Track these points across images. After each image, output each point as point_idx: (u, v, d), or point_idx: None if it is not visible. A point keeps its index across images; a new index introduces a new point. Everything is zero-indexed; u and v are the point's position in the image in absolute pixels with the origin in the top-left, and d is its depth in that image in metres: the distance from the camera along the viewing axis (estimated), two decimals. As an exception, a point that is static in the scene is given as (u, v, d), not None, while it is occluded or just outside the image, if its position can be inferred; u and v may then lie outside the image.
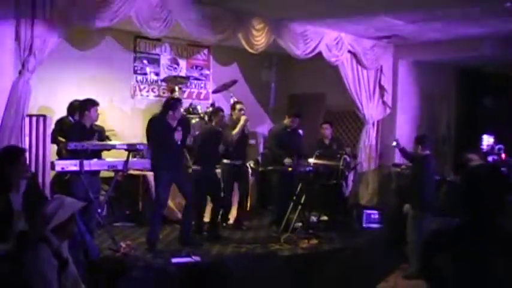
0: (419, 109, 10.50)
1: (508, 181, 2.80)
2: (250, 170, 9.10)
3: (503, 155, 8.03)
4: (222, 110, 7.94)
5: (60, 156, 6.37)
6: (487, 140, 8.15)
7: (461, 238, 2.72)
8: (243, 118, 7.82)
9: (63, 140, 6.67)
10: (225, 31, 7.49)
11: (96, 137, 6.50)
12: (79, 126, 6.46)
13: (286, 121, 8.19)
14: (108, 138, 7.27)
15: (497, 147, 8.05)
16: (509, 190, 2.82)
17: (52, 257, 3.60)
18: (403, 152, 8.05)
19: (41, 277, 3.52)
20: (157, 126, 6.71)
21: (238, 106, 7.95)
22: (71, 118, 7.26)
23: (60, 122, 7.29)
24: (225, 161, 7.83)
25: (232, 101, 8.58)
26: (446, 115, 11.12)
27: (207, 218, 7.63)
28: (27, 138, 6.21)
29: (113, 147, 6.63)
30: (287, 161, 7.83)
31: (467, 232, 2.73)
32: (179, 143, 6.64)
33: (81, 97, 7.08)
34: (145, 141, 6.98)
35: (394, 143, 8.06)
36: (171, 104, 6.72)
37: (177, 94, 8.84)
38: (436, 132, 10.86)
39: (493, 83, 10.48)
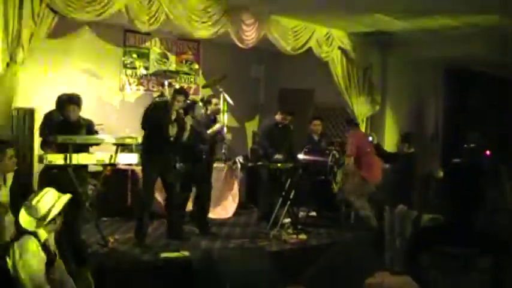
0: (408, 106, 10.55)
1: (489, 179, 2.83)
2: (239, 166, 9.11)
3: (487, 153, 8.07)
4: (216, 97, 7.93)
5: (45, 150, 6.32)
6: (472, 138, 8.19)
7: (446, 237, 2.74)
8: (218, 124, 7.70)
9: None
10: (215, 26, 7.46)
11: (84, 132, 6.47)
12: (62, 121, 6.43)
13: (278, 117, 8.18)
14: (96, 132, 7.23)
15: (481, 144, 8.09)
16: (490, 188, 2.85)
17: (41, 251, 3.59)
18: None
19: (29, 270, 3.51)
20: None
21: (214, 101, 7.87)
22: (59, 112, 7.21)
23: (48, 116, 7.24)
24: None
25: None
26: (435, 113, 11.17)
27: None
28: (14, 132, 6.16)
29: (101, 141, 6.60)
30: (277, 156, 7.82)
31: (452, 231, 2.75)
32: (171, 138, 6.60)
33: (70, 91, 7.05)
34: (134, 135, 6.97)
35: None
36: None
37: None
38: (424, 129, 10.92)
39: (481, 81, 10.54)
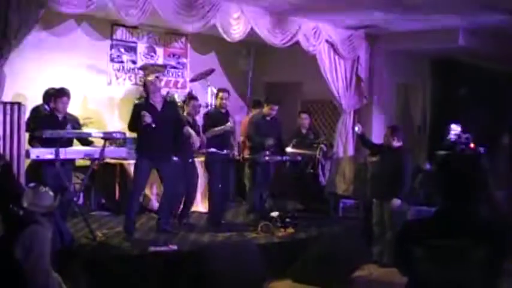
0: (395, 99, 10.61)
1: (479, 170, 2.85)
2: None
3: (471, 145, 8.13)
4: (195, 98, 7.92)
5: (32, 144, 6.30)
6: (455, 129, 8.25)
7: (435, 229, 2.76)
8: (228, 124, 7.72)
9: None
10: (203, 20, 7.45)
11: (69, 127, 6.46)
12: (49, 116, 6.41)
13: (265, 109, 8.19)
14: (81, 127, 7.21)
15: (464, 136, 8.14)
16: (481, 179, 2.87)
17: (49, 239, 3.66)
18: (363, 139, 8.08)
19: (41, 257, 3.55)
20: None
21: (220, 94, 7.90)
22: (46, 106, 7.18)
23: (35, 110, 7.21)
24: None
25: (215, 89, 8.48)
26: (422, 105, 11.24)
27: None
28: (1, 126, 6.12)
29: (89, 135, 6.60)
30: (270, 141, 7.77)
31: (441, 223, 2.77)
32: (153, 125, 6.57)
33: (57, 85, 7.03)
34: (122, 128, 6.97)
35: (357, 128, 8.12)
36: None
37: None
38: (411, 121, 10.99)
39: (467, 73, 10.60)
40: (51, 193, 3.91)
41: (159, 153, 6.72)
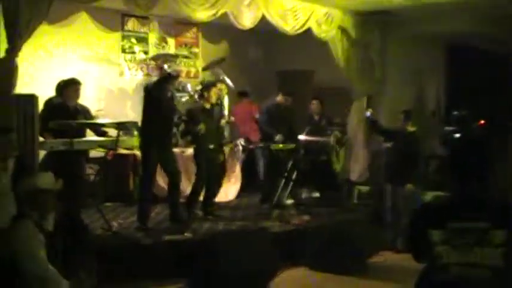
0: (409, 83, 10.49)
1: (489, 152, 2.81)
2: (241, 148, 9.11)
3: (481, 122, 8.08)
4: (214, 85, 7.87)
5: (44, 136, 6.32)
6: (457, 113, 8.23)
7: (453, 213, 2.72)
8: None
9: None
10: (213, 8, 7.40)
11: (82, 118, 6.48)
12: (61, 107, 6.43)
13: (279, 98, 8.17)
14: (93, 118, 7.22)
15: (472, 114, 8.12)
16: (492, 161, 2.83)
17: (39, 233, 3.61)
18: (375, 125, 8.02)
19: (29, 253, 3.53)
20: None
21: (218, 85, 7.85)
22: (59, 98, 7.20)
23: (47, 103, 7.23)
24: None
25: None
26: (436, 90, 11.12)
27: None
28: (15, 119, 6.14)
29: (102, 125, 6.61)
30: (278, 137, 7.80)
31: (458, 206, 2.74)
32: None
33: (69, 77, 7.04)
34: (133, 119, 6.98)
35: (368, 113, 8.06)
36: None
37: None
38: (425, 107, 10.89)
39: (481, 57, 10.47)
40: (51, 174, 3.88)
41: (165, 142, 6.74)
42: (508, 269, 2.62)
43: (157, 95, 6.60)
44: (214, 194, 7.63)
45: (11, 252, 3.52)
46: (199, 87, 8.53)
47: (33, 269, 3.51)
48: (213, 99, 7.38)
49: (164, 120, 6.68)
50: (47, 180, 3.85)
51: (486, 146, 2.79)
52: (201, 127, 7.11)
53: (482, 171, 2.74)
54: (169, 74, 6.84)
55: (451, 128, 7.66)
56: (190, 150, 7.82)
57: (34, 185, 3.77)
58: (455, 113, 8.09)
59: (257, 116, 8.79)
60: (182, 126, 8.07)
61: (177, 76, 7.08)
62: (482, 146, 2.79)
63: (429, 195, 7.33)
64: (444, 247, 2.66)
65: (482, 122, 8.02)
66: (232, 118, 8.81)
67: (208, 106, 7.38)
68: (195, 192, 7.34)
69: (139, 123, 7.00)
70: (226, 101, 9.04)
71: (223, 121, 7.90)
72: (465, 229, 2.65)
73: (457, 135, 7.61)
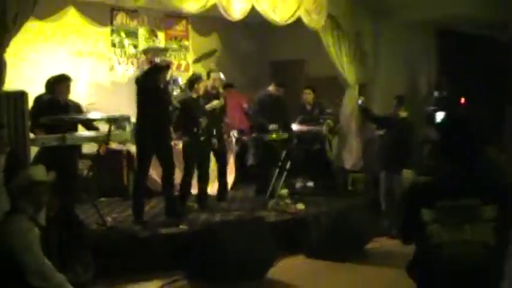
0: (401, 70, 10.47)
1: (477, 131, 2.80)
2: (234, 139, 9.08)
3: (462, 101, 8.14)
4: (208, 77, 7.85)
5: (35, 132, 6.28)
6: (438, 94, 8.30)
7: (443, 191, 2.72)
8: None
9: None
10: (202, -1, 7.36)
11: (73, 113, 6.44)
12: (51, 103, 6.38)
13: (272, 89, 8.15)
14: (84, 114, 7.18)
15: (453, 92, 8.18)
16: (481, 140, 2.83)
17: (34, 227, 3.60)
18: (367, 112, 8.02)
19: (25, 247, 3.52)
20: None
21: (212, 75, 7.81)
22: (49, 95, 7.15)
23: (37, 99, 7.18)
24: None
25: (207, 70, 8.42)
26: (427, 76, 11.11)
27: (194, 189, 7.57)
28: (5, 115, 6.09)
29: (94, 119, 6.57)
30: (272, 127, 7.76)
31: (448, 184, 2.73)
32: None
33: (59, 73, 6.98)
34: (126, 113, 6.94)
35: (360, 102, 8.06)
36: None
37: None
38: (417, 92, 10.87)
39: (472, 43, 10.47)
40: (43, 167, 3.87)
41: (161, 133, 6.71)
42: (499, 244, 2.62)
43: (150, 86, 6.57)
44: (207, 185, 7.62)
45: (8, 246, 3.51)
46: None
47: (29, 262, 3.50)
48: (201, 92, 7.35)
49: (159, 111, 6.64)
50: (39, 172, 3.84)
51: (470, 125, 2.77)
52: (203, 120, 7.13)
53: (468, 150, 2.73)
54: (156, 64, 6.81)
55: (432, 108, 7.73)
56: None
57: (28, 177, 3.75)
58: (436, 93, 8.15)
59: (245, 106, 8.78)
60: (174, 118, 7.98)
61: (167, 66, 7.01)
62: (465, 125, 2.78)
63: (422, 180, 7.32)
64: (435, 226, 2.65)
65: (462, 100, 8.09)
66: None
67: (195, 96, 7.35)
68: (184, 185, 7.29)
69: (132, 117, 6.97)
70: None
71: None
72: (455, 207, 2.65)
73: (440, 113, 7.66)
